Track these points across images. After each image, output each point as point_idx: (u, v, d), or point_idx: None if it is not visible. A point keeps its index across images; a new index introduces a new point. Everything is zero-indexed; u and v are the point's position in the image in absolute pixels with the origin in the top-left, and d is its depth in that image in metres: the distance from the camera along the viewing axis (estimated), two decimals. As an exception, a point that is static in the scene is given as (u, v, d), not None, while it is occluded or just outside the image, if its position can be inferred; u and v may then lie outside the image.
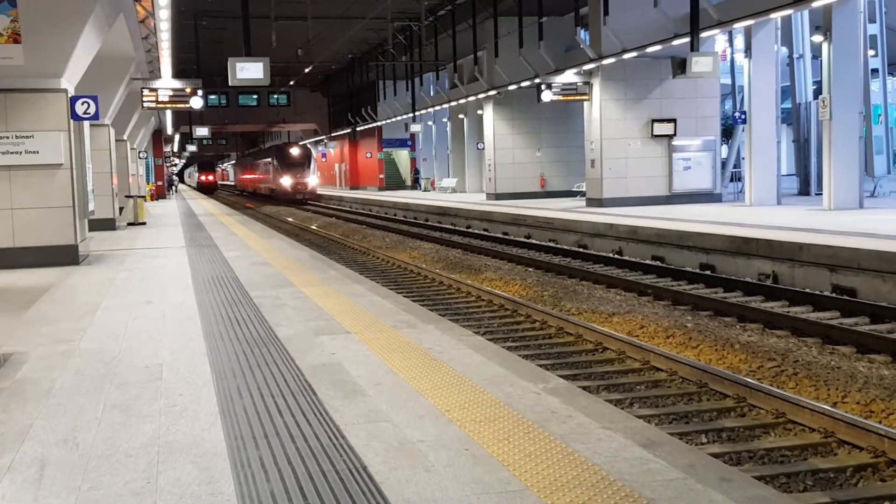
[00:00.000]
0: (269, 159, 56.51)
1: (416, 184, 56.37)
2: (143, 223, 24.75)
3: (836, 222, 16.67)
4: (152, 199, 43.32)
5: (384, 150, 55.50)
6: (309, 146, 59.10)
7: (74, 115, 13.98)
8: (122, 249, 16.73)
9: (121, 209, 25.12)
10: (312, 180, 53.33)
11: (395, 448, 4.42)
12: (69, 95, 13.96)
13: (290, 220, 34.81)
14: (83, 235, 14.94)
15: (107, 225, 22.01)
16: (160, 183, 52.76)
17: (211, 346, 7.08)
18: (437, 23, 34.69)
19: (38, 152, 13.65)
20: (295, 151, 53.99)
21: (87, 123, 15.37)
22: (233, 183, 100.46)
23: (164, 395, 5.62)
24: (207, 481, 4.03)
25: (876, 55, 25.58)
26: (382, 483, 3.95)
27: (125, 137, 28.95)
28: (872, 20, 24.95)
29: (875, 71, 25.54)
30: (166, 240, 18.83)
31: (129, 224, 24.50)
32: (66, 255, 13.96)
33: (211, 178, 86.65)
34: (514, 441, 4.47)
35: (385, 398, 5.36)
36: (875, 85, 25.33)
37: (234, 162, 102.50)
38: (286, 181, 51.97)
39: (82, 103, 13.99)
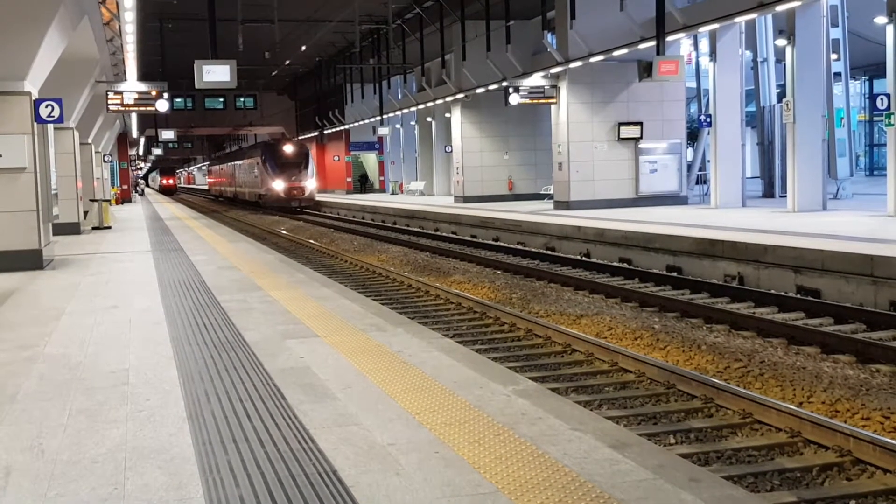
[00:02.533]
0: (256, 159, 46.63)
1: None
2: (109, 227, 24.48)
3: (800, 224, 16.86)
4: (117, 203, 42.90)
5: (352, 153, 55.39)
6: (305, 143, 49.11)
7: (38, 118, 13.80)
8: (87, 254, 16.55)
9: (85, 213, 24.85)
10: (311, 184, 44.08)
11: (366, 451, 4.40)
12: (33, 98, 13.79)
13: (257, 224, 34.62)
14: (47, 240, 14.76)
15: (71, 229, 21.75)
16: (125, 186, 52.14)
17: (178, 351, 7.02)
18: (405, 26, 34.69)
19: (0, 156, 13.45)
20: (289, 149, 44.86)
21: (51, 126, 15.17)
22: (205, 187, 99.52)
23: (130, 400, 5.56)
24: (176, 487, 3.99)
25: (838, 59, 25.91)
26: (353, 487, 3.93)
27: (90, 141, 28.65)
28: (835, 24, 25.25)
29: (838, 74, 25.85)
30: (132, 244, 18.65)
31: (94, 228, 24.22)
32: (29, 260, 13.77)
33: (171, 181, 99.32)
34: (484, 443, 4.47)
35: (355, 402, 5.34)
36: (838, 88, 25.63)
37: (207, 163, 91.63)
38: (278, 185, 42.88)
39: (46, 106, 13.82)
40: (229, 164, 60.46)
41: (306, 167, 43.98)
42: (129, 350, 7.15)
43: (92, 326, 8.37)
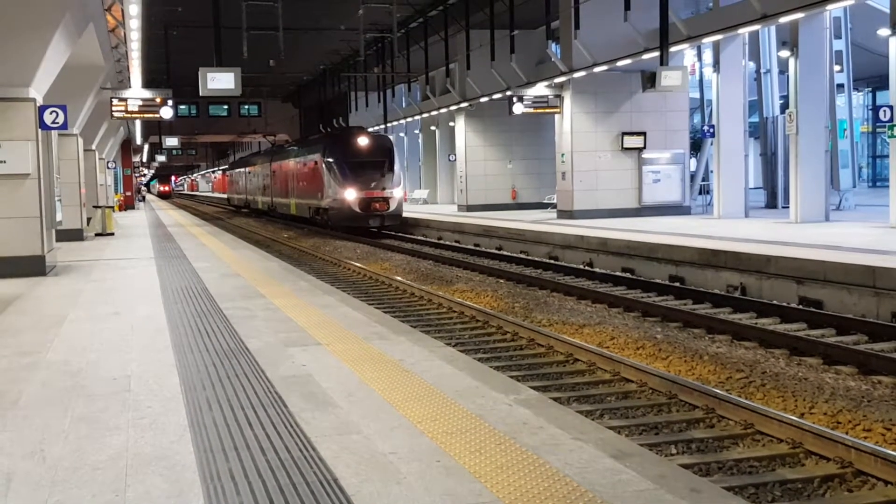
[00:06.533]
0: (314, 157, 32.91)
1: None
2: (112, 234, 24.52)
3: (802, 235, 16.85)
4: (121, 210, 42.94)
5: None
6: (387, 135, 35.07)
7: (43, 125, 13.83)
8: (90, 260, 16.56)
9: (89, 220, 24.88)
10: (398, 193, 30.47)
11: (367, 460, 4.40)
12: (37, 105, 13.81)
13: (260, 231, 34.64)
14: (50, 246, 14.77)
15: (74, 235, 21.77)
16: (129, 193, 52.10)
17: (180, 358, 7.02)
18: (409, 35, 34.75)
19: (5, 162, 13.48)
20: (364, 142, 30.83)
21: (55, 133, 15.21)
22: (214, 194, 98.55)
23: (132, 407, 5.57)
24: (177, 494, 4.00)
25: (841, 70, 25.94)
26: (354, 496, 3.93)
27: (94, 147, 28.69)
28: (838, 36, 25.30)
29: (840, 86, 25.89)
30: (135, 251, 18.67)
31: (97, 235, 24.25)
32: (32, 266, 13.78)
33: (167, 188, 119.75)
34: (485, 453, 4.47)
35: (356, 410, 5.34)
36: (841, 100, 25.67)
37: (228, 167, 74.63)
38: (350, 195, 29.69)
39: (51, 113, 13.84)
40: (264, 164, 45.70)
41: (391, 168, 30.59)
42: (131, 357, 7.16)
43: (94, 333, 8.38)
